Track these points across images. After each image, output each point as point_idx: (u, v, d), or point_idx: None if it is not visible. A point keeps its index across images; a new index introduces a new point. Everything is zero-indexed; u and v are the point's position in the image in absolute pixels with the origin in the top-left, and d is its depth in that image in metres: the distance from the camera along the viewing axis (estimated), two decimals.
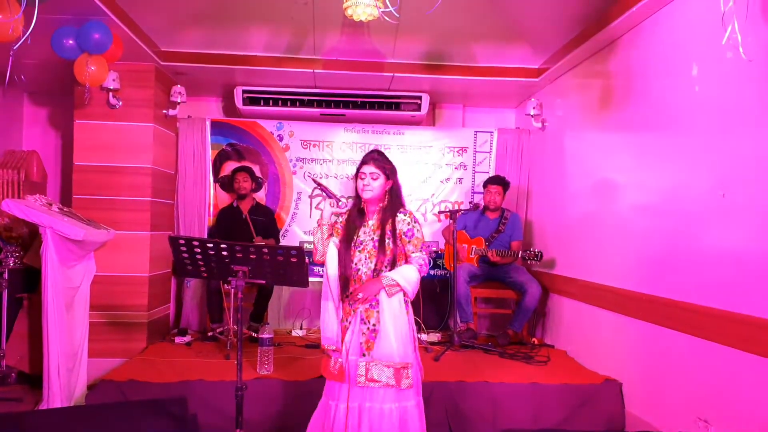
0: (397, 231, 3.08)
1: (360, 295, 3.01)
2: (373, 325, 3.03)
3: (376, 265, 3.05)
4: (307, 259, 2.92)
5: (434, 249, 6.24)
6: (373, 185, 3.09)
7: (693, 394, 3.35)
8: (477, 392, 4.03)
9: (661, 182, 3.75)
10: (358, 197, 3.17)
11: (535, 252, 5.18)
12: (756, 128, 2.93)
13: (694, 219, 3.38)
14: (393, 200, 3.15)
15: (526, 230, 6.15)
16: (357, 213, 3.18)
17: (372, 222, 3.13)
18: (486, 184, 5.64)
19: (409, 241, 3.09)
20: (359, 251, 3.08)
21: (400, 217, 3.12)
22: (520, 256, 5.29)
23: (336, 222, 3.19)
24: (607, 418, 4.05)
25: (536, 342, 5.33)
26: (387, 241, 3.06)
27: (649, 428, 3.72)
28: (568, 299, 5.14)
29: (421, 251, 3.11)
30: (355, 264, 3.07)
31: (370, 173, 3.10)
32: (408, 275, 3.05)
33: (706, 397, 3.24)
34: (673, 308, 3.51)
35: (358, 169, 3.15)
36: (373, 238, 3.08)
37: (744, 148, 3.01)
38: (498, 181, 5.59)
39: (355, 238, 3.11)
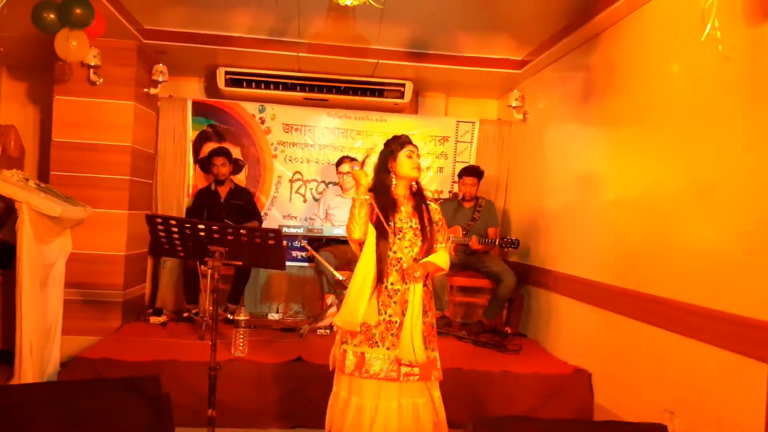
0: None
1: (417, 273, 2.87)
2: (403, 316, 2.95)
3: (419, 253, 2.98)
4: (285, 242, 2.92)
5: None
6: (420, 166, 3.04)
7: (660, 386, 3.42)
8: (450, 379, 4.05)
9: (639, 177, 3.80)
10: (386, 182, 3.03)
11: (511, 239, 5.24)
12: (734, 125, 2.97)
13: (670, 214, 3.43)
14: (420, 186, 3.08)
15: (503, 221, 6.20)
16: (390, 199, 3.01)
17: (405, 209, 3.02)
18: (461, 175, 5.67)
19: (438, 231, 3.05)
20: (399, 239, 2.96)
21: (432, 205, 3.07)
22: (497, 243, 5.34)
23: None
24: (577, 407, 4.12)
25: (509, 331, 5.38)
26: (427, 227, 2.99)
27: (616, 419, 3.78)
28: (542, 290, 5.20)
29: (446, 241, 3.09)
30: (395, 252, 2.95)
31: (417, 153, 3.02)
32: (446, 259, 3.02)
33: (672, 389, 3.31)
34: (645, 301, 3.57)
35: (397, 149, 3.01)
36: (411, 226, 2.99)
37: (722, 145, 3.05)
38: (472, 173, 5.62)
39: (392, 225, 2.95)
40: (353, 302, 2.91)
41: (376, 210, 2.93)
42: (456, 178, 6.18)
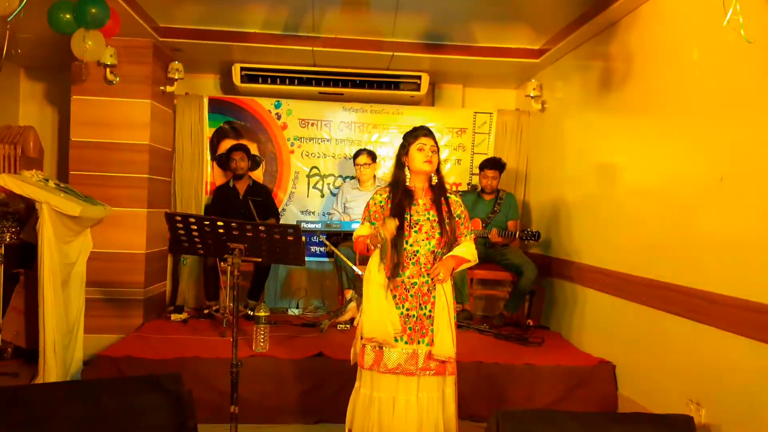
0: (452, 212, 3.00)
1: (441, 275, 2.89)
2: (429, 311, 2.95)
3: (436, 245, 2.95)
4: (303, 238, 2.91)
5: None
6: (434, 159, 2.97)
7: (685, 377, 3.37)
8: (471, 372, 4.04)
9: (660, 166, 3.74)
10: (400, 177, 3.02)
11: (532, 232, 5.19)
12: (756, 112, 2.91)
13: (692, 203, 3.38)
14: (441, 179, 3.05)
15: (523, 212, 6.15)
16: (404, 191, 3.00)
17: (423, 201, 3.00)
18: (482, 168, 5.61)
19: (462, 224, 3.02)
20: (415, 231, 2.94)
21: (453, 197, 3.04)
22: (517, 236, 5.29)
23: (381, 205, 3.01)
24: (601, 399, 4.09)
25: (531, 323, 5.34)
26: (446, 220, 2.96)
27: (641, 410, 3.74)
28: (563, 281, 5.15)
29: (470, 233, 3.07)
30: (411, 245, 2.94)
31: (431, 146, 2.97)
32: (474, 251, 3.00)
33: (698, 380, 3.26)
34: (669, 291, 3.52)
35: (410, 142, 3.00)
36: (428, 218, 2.96)
37: (743, 132, 3.00)
38: (494, 165, 5.56)
39: (408, 218, 2.94)
40: (380, 315, 2.89)
41: (385, 204, 2.99)
42: (475, 170, 6.13)
